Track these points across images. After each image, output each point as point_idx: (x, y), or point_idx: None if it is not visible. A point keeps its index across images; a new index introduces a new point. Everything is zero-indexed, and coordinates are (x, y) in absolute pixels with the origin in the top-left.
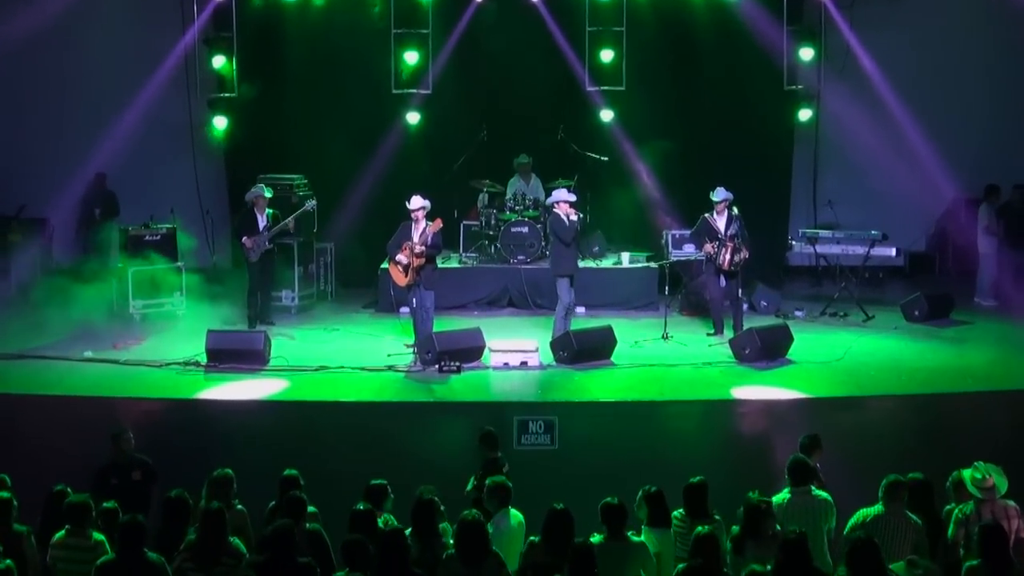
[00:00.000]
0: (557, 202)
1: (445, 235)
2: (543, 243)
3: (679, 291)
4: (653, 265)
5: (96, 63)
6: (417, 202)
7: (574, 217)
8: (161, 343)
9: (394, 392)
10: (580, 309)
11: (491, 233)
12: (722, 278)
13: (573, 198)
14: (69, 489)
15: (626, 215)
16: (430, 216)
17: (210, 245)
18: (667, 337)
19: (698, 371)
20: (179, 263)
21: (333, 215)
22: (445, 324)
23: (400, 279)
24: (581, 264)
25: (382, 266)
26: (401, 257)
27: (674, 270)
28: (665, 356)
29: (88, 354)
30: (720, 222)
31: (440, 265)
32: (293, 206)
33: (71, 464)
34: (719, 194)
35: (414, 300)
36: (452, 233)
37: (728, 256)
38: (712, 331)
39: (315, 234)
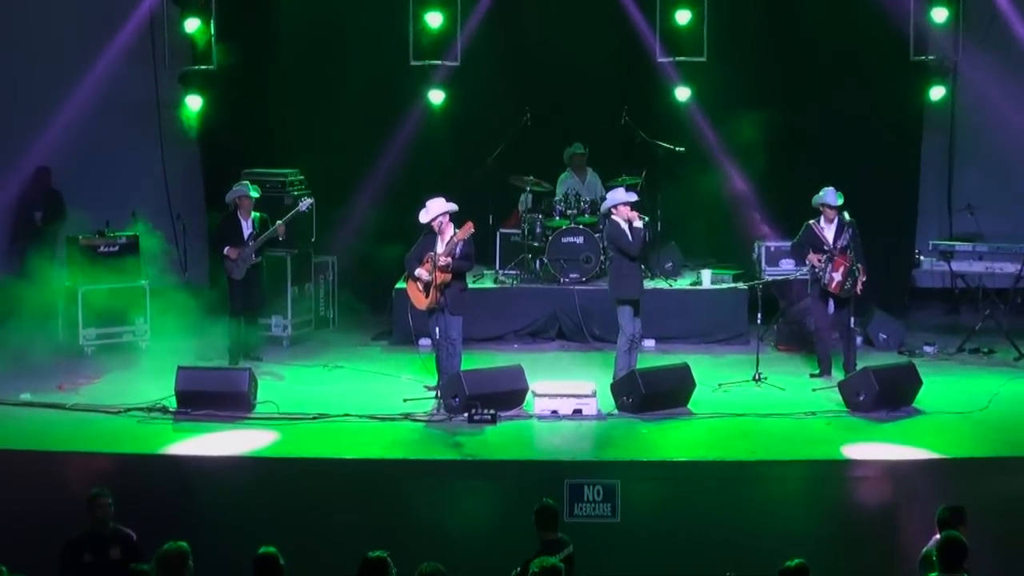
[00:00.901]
0: (615, 205)
1: (478, 246)
2: (602, 258)
3: (775, 320)
4: (742, 286)
5: (37, 29)
6: (438, 207)
7: (638, 224)
8: (119, 383)
9: (411, 447)
10: (648, 342)
11: (536, 244)
12: (830, 303)
13: (634, 198)
14: (3, 569)
15: (708, 223)
16: (457, 222)
17: (182, 258)
18: (760, 379)
19: (799, 423)
20: (143, 281)
21: (336, 220)
22: (477, 360)
23: (420, 301)
24: (649, 285)
25: (398, 285)
26: (421, 273)
27: (769, 293)
28: (757, 403)
29: (26, 397)
30: (829, 231)
31: (471, 285)
32: (286, 208)
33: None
34: (828, 196)
35: (437, 329)
36: (486, 244)
37: (839, 276)
38: (817, 371)
39: (313, 244)
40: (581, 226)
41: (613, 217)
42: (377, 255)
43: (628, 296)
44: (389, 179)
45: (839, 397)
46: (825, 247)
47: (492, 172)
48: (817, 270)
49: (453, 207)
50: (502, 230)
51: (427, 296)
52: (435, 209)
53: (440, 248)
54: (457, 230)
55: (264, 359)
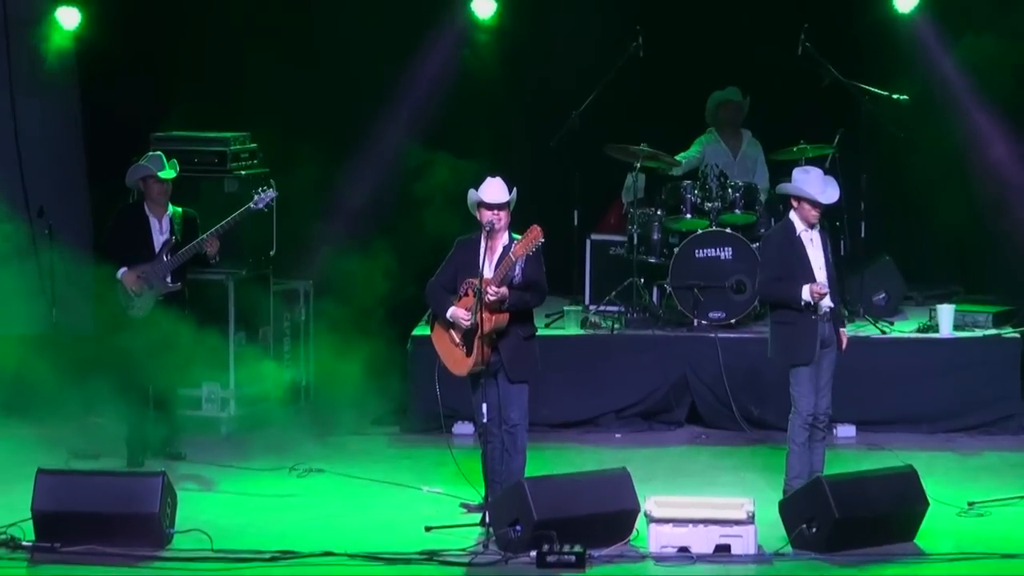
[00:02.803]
0: (800, 198)
1: (553, 264)
2: None
3: None
4: (1013, 334)
5: None
6: (495, 192)
7: (807, 233)
8: None
9: None
10: (845, 430)
11: (652, 261)
12: None
13: (835, 196)
14: None
15: (948, 224)
16: (515, 224)
17: (47, 286)
18: None
19: None
20: None
21: (313, 222)
22: (553, 460)
23: (456, 360)
24: (846, 332)
25: (417, 331)
26: (458, 313)
27: None
28: None
29: None
30: None
31: (541, 331)
32: (226, 202)
33: None
34: None
35: (485, 407)
36: (567, 260)
37: None
38: None
39: (274, 262)
40: (729, 229)
41: (792, 217)
42: (382, 280)
43: (805, 357)
44: (402, 151)
45: None
46: None
47: (576, 138)
48: None
49: (512, 196)
50: (594, 236)
51: (468, 352)
52: (493, 194)
53: (488, 270)
54: (517, 238)
55: (188, 457)
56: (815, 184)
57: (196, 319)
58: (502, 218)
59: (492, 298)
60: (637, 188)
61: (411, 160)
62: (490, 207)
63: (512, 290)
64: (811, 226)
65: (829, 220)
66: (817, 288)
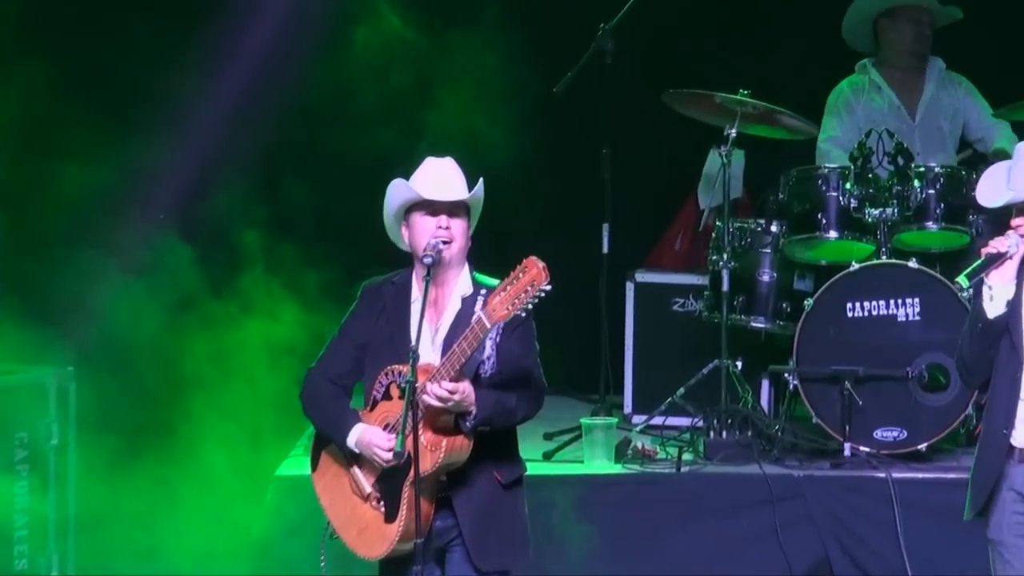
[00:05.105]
0: None
1: (556, 331)
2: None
3: None
4: None
5: None
6: (445, 182)
7: None
8: None
9: None
10: None
11: (759, 325)
12: None
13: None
14: None
15: None
16: (480, 257)
17: None
18: None
19: None
20: None
21: (68, 249)
22: None
23: (368, 530)
24: None
25: (284, 467)
26: (373, 440)
27: None
28: None
29: None
30: None
31: (536, 468)
32: None
33: None
34: None
35: None
36: (578, 323)
37: None
38: None
39: None
40: (914, 261)
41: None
42: (204, 360)
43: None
44: (264, 106)
45: None
46: None
47: (607, 78)
48: None
49: (475, 194)
50: (641, 277)
51: (390, 515)
52: (441, 184)
53: (432, 349)
54: (488, 283)
55: None
56: (989, 172)
57: None
58: (457, 236)
59: (440, 404)
60: (730, 178)
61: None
62: (436, 211)
63: (479, 388)
64: None
65: None
66: None
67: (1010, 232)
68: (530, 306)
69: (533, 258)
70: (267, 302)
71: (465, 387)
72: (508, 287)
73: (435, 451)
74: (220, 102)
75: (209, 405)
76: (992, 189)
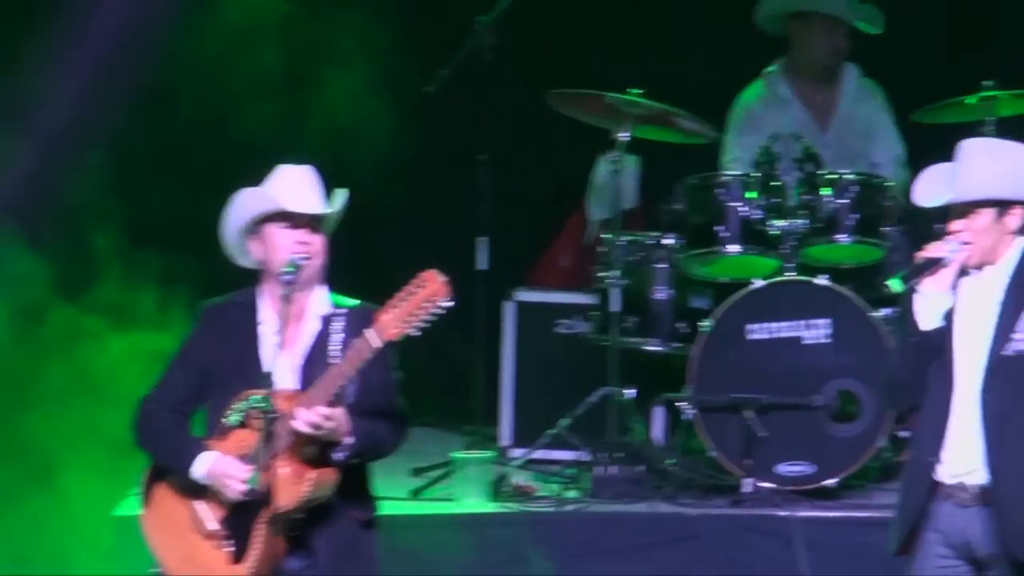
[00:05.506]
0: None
1: (423, 356)
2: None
3: None
4: None
5: None
6: (303, 192)
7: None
8: None
9: None
10: None
11: (653, 348)
12: None
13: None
14: None
15: None
16: (341, 279)
17: None
18: None
19: None
20: None
21: None
22: None
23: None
24: None
25: (120, 509)
26: (226, 471)
27: None
28: None
29: None
30: None
31: (394, 508)
32: None
33: None
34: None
35: None
36: (449, 348)
37: None
38: None
39: None
40: (825, 278)
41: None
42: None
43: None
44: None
45: None
46: None
47: (486, 75)
48: None
49: (334, 209)
50: (522, 296)
51: (240, 555)
52: (299, 195)
53: (290, 374)
54: (343, 304)
55: None
56: (927, 173)
57: None
58: (318, 252)
59: (313, 431)
60: (620, 187)
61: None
62: (296, 224)
63: (356, 423)
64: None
65: None
66: None
67: (949, 238)
68: (425, 324)
69: (433, 272)
70: (122, 313)
71: (340, 413)
72: (402, 302)
73: (299, 484)
74: (69, 88)
75: (56, 424)
76: (931, 188)
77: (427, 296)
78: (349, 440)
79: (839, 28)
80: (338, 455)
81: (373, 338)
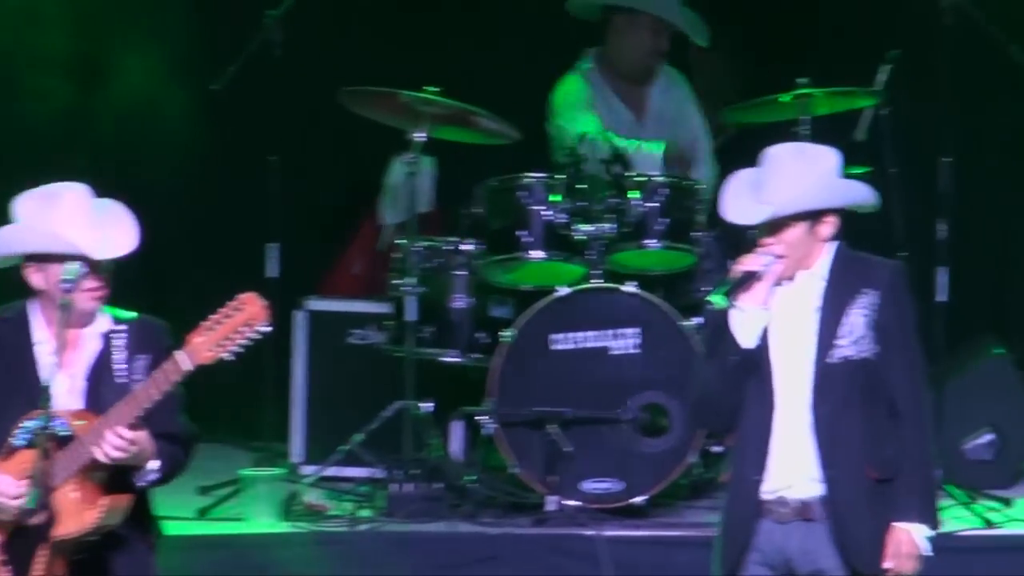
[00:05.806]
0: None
1: (208, 368)
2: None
3: None
4: None
5: None
6: (113, 230)
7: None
8: None
9: None
10: None
11: (450, 360)
12: None
13: (863, 197)
14: None
15: None
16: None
17: None
18: None
19: None
20: None
21: None
22: None
23: None
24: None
25: None
26: (2, 490)
27: None
28: None
29: None
30: None
31: (179, 527)
32: None
33: None
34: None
35: None
36: (238, 361)
37: None
38: None
39: None
40: (634, 286)
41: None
42: None
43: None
44: None
45: None
46: None
47: (275, 74)
48: None
49: (124, 253)
50: (314, 305)
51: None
52: (103, 241)
53: (74, 394)
54: (121, 316)
55: None
56: (734, 184)
57: None
58: (104, 297)
59: (118, 455)
60: (417, 191)
61: None
62: (93, 268)
63: (161, 442)
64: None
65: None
66: None
67: (761, 251)
68: (241, 349)
69: (253, 295)
70: None
71: (145, 437)
72: (217, 325)
73: (90, 510)
74: None
75: None
76: (740, 204)
77: (245, 320)
78: (155, 464)
79: (665, 31)
80: (146, 479)
81: (184, 360)
